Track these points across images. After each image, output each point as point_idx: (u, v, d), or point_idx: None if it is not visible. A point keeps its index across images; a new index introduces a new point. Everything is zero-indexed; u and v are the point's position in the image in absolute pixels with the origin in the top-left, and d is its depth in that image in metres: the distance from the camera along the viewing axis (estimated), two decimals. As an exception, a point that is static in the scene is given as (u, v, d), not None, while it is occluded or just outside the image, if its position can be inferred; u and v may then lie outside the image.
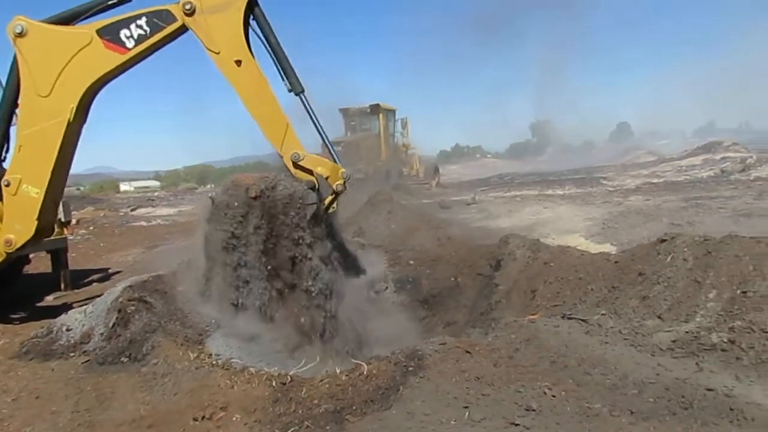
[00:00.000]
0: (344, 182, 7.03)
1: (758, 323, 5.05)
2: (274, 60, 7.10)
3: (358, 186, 24.05)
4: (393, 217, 13.02)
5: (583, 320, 6.14)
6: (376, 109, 32.84)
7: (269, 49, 7.08)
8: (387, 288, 9.83)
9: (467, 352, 5.32)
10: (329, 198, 7.09)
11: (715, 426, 4.00)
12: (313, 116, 7.27)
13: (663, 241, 6.66)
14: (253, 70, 6.90)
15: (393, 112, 35.28)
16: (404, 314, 8.93)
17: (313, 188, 6.78)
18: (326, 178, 6.98)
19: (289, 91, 7.10)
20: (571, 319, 6.27)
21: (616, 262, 7.10)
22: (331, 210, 7.14)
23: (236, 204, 6.42)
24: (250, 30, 7.04)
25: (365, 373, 5.17)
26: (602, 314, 6.13)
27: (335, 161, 7.15)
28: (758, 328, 5.01)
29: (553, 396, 4.49)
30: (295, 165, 6.90)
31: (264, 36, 7.04)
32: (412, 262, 10.32)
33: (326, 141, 7.39)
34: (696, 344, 5.12)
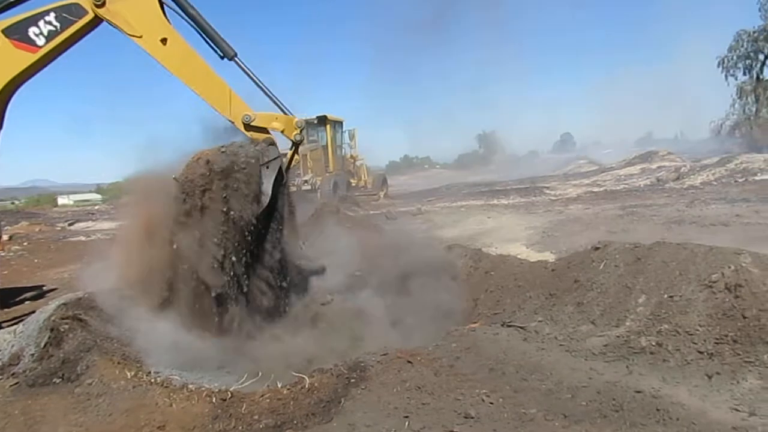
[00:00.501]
0: (300, 131, 7.04)
1: (684, 326, 5.29)
2: (198, 30, 6.94)
3: (305, 198, 23.96)
4: (339, 228, 13.01)
5: (521, 327, 6.31)
6: (323, 120, 32.78)
7: (190, 21, 6.92)
8: (332, 300, 9.79)
9: (409, 361, 5.38)
10: (290, 151, 7.11)
11: (643, 427, 4.16)
12: (253, 77, 7.10)
13: (596, 248, 6.91)
14: (181, 45, 6.79)
15: (341, 123, 35.30)
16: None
17: (272, 144, 6.77)
18: (282, 132, 6.97)
19: (222, 57, 6.96)
20: (510, 326, 6.43)
21: (553, 270, 7.32)
22: (295, 162, 7.23)
23: (201, 177, 6.27)
24: (167, 8, 6.88)
25: (307, 386, 5.17)
26: (539, 321, 6.31)
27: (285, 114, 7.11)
28: (683, 330, 5.24)
29: (491, 403, 4.60)
30: (248, 127, 6.84)
31: (182, 9, 6.91)
32: (358, 272, 10.32)
33: (273, 97, 7.18)
34: (626, 348, 5.32)
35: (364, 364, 5.37)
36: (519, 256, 9.47)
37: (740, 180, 22.13)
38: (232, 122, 6.91)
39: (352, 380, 5.11)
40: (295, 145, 7.08)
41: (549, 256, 9.06)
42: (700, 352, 4.99)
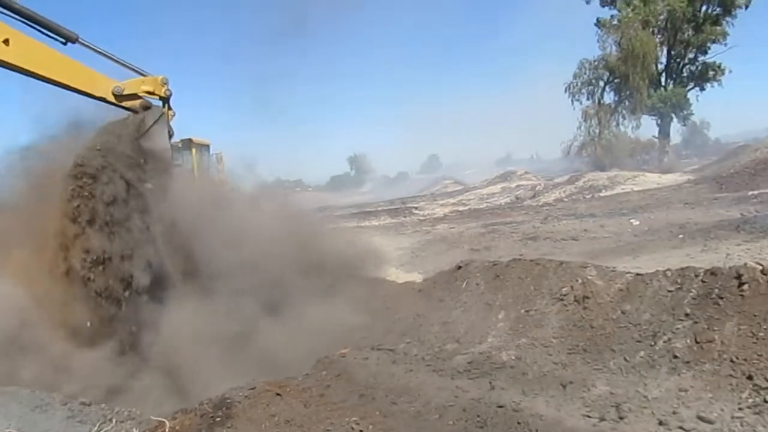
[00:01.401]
0: (167, 86, 7.19)
1: (540, 339, 5.57)
2: (30, 24, 6.70)
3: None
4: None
5: (390, 350, 6.34)
6: (188, 143, 31.53)
7: (18, 16, 6.65)
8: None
9: (278, 394, 5.20)
10: (165, 108, 7.25)
11: (505, 440, 4.30)
12: (103, 52, 7.07)
13: (459, 267, 7.14)
14: (23, 40, 6.49)
15: (207, 146, 34.11)
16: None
17: (147, 107, 6.98)
18: (153, 93, 7.12)
19: (65, 43, 6.77)
20: (379, 350, 6.45)
21: (420, 290, 7.47)
22: (171, 117, 7.37)
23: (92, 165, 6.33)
24: None
25: (167, 430, 4.83)
26: (408, 342, 6.38)
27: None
28: (540, 343, 5.53)
29: (361, 430, 4.54)
30: (121, 98, 6.92)
31: (5, 6, 6.60)
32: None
33: (128, 65, 7.24)
34: (489, 364, 5.50)
35: (231, 400, 5.12)
36: (388, 278, 9.57)
37: (588, 196, 24.06)
38: (104, 99, 6.90)
39: (218, 419, 4.85)
40: (166, 100, 7.27)
41: (417, 276, 9.24)
42: (555, 363, 5.27)
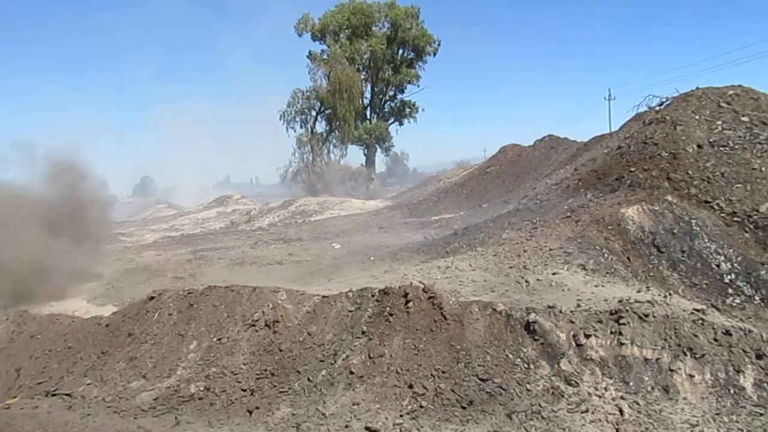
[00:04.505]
0: None
1: (230, 367, 5.54)
2: None
3: None
4: None
5: (67, 395, 5.70)
6: None
7: None
8: None
9: None
10: None
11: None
12: None
13: (152, 298, 6.77)
14: None
15: None
16: None
17: None
18: None
19: None
20: (54, 395, 5.75)
21: (107, 325, 6.88)
22: None
23: None
24: None
25: None
26: (88, 384, 5.80)
27: None
28: (229, 371, 5.49)
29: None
30: None
31: None
32: None
33: None
34: (176, 398, 5.29)
35: None
36: (76, 313, 8.64)
37: (299, 221, 24.98)
38: None
39: None
40: None
41: (110, 309, 8.49)
42: (244, 390, 5.28)
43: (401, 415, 4.65)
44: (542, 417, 4.46)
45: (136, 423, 4.99)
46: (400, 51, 44.06)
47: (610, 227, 7.58)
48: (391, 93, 46.14)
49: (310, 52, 42.02)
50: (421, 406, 4.71)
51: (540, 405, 4.54)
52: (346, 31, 41.79)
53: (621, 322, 5.07)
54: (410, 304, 5.61)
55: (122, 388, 5.59)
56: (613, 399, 4.61)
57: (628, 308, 5.22)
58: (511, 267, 7.37)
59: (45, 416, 5.22)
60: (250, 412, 5.00)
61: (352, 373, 5.14)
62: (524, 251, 7.68)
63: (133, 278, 11.96)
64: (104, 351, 6.36)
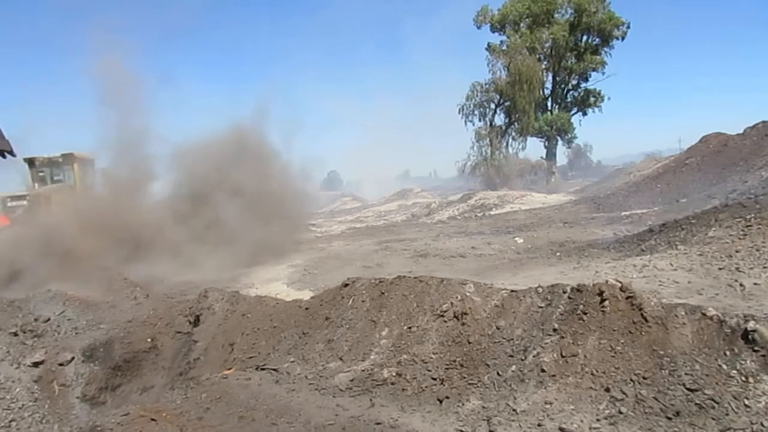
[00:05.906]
0: None
1: (420, 355, 5.68)
2: None
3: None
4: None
5: (274, 369, 6.24)
6: (69, 158, 29.52)
7: None
8: (73, 358, 8.81)
9: (152, 419, 4.97)
10: None
11: (381, 458, 4.34)
12: None
13: (346, 285, 7.16)
14: None
15: (91, 161, 32.20)
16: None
17: None
18: None
19: None
20: (263, 369, 6.33)
21: (306, 308, 7.40)
22: None
23: None
24: None
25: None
26: (291, 361, 6.31)
27: None
28: (420, 359, 5.64)
29: (236, 453, 4.43)
30: None
31: None
32: (103, 326, 9.42)
33: None
34: (370, 381, 5.55)
35: (102, 427, 4.84)
36: (278, 296, 9.45)
37: (479, 214, 24.96)
38: None
39: (87, 449, 4.57)
40: None
41: (307, 294, 9.18)
42: (434, 379, 5.39)
43: (598, 419, 4.43)
44: (764, 437, 3.98)
45: (334, 401, 5.32)
46: (585, 37, 42.01)
47: None
48: (574, 82, 44.23)
49: (489, 44, 41.66)
50: (620, 412, 4.44)
51: (762, 425, 4.05)
52: (527, 20, 40.73)
53: None
54: (606, 303, 5.32)
55: (321, 368, 5.99)
56: None
57: None
58: (720, 268, 6.69)
59: (256, 388, 5.75)
60: (441, 401, 5.09)
61: (543, 371, 5.01)
62: (736, 251, 6.93)
63: (325, 266, 12.81)
64: (305, 332, 6.86)
